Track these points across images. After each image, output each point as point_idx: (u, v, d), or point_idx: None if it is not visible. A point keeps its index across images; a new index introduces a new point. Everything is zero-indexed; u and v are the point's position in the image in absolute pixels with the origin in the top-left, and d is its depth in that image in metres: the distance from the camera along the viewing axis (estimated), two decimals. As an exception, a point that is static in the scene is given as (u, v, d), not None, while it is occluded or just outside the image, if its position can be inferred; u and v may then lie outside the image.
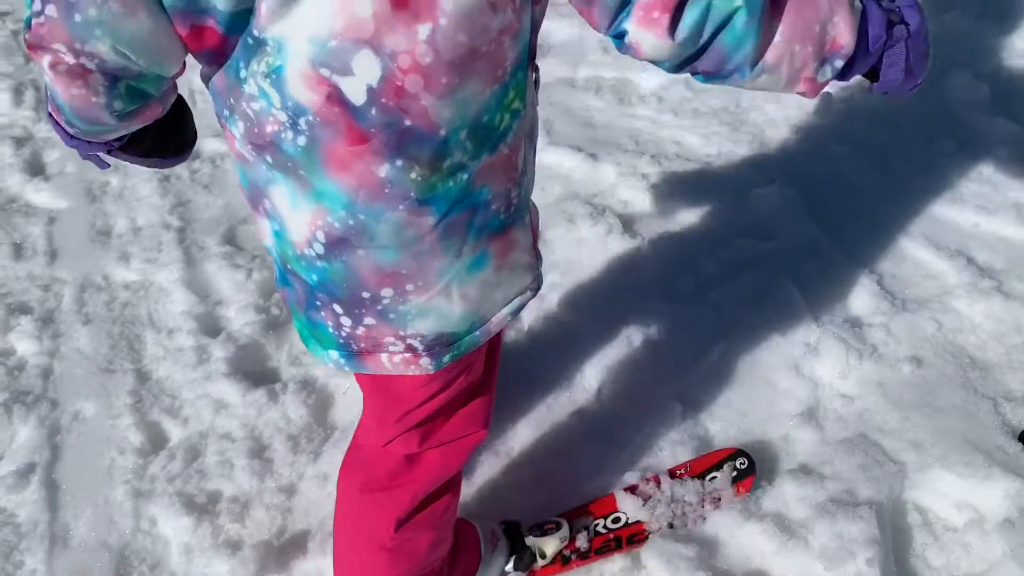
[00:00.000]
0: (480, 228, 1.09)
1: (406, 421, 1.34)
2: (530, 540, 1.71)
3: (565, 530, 1.72)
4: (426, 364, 1.20)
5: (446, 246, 1.08)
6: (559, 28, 3.29)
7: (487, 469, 1.91)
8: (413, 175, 0.99)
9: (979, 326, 2.09)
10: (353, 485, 1.43)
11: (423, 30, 0.88)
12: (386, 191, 1.00)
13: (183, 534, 1.83)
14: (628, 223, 2.44)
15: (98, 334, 2.32)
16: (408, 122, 0.95)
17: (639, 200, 2.52)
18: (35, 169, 2.94)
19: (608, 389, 2.06)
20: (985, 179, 2.49)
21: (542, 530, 1.72)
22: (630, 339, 2.14)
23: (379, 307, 1.12)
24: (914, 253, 2.30)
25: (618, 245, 2.38)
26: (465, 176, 1.03)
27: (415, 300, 1.12)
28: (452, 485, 1.50)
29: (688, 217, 2.46)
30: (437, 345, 1.18)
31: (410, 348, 1.18)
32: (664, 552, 1.73)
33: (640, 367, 2.09)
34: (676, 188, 2.54)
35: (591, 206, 2.50)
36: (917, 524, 1.77)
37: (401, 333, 1.15)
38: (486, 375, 1.44)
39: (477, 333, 1.20)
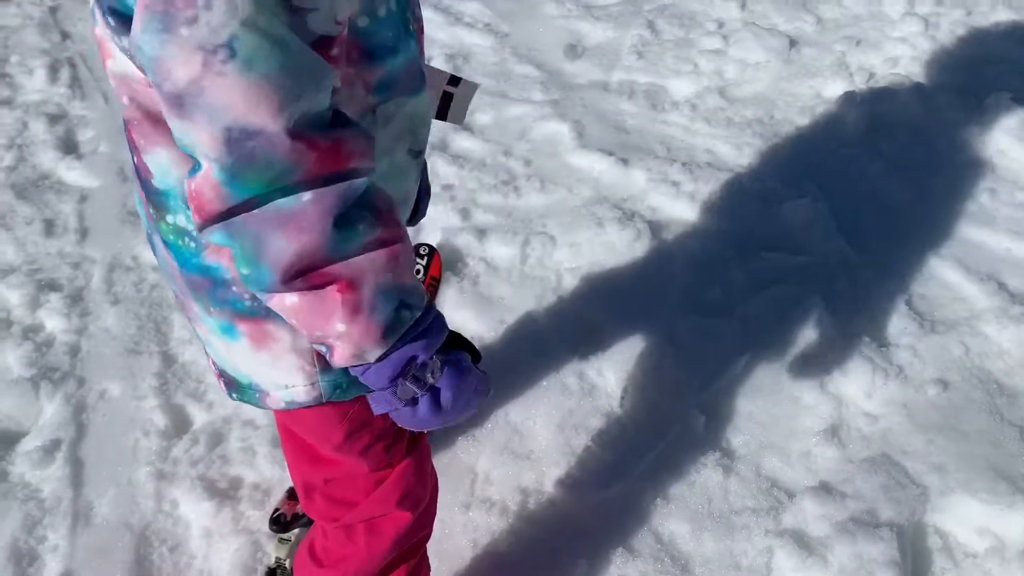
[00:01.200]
0: (222, 301, 1.03)
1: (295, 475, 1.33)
2: None
3: None
4: (226, 392, 1.15)
5: (193, 298, 1.06)
6: (593, 31, 3.29)
7: (505, 470, 1.91)
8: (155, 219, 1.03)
9: (1007, 352, 2.08)
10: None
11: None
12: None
13: (204, 518, 1.85)
14: (657, 229, 2.44)
15: (126, 314, 2.33)
16: (134, 160, 1.01)
17: (669, 207, 2.52)
18: (68, 147, 2.97)
19: (630, 396, 2.06)
20: (1019, 204, 2.47)
21: None
22: (654, 347, 2.14)
23: None
24: (944, 275, 2.29)
25: (646, 251, 2.38)
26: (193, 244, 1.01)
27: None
28: None
29: (718, 227, 2.45)
30: (224, 381, 1.14)
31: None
32: (678, 564, 1.73)
33: (663, 375, 2.09)
34: (707, 197, 2.53)
35: (620, 210, 2.50)
36: (937, 548, 1.76)
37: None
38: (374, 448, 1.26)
39: (256, 395, 1.11)
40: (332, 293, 0.86)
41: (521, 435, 1.99)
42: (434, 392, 0.94)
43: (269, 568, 1.75)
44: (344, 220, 0.83)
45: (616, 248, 2.40)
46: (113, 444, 2.02)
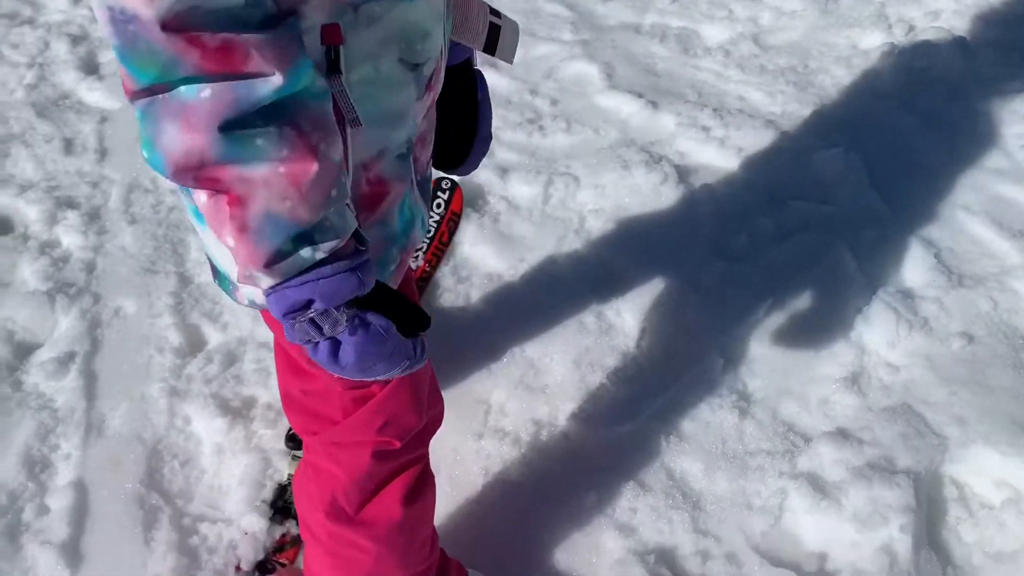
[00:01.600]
0: None
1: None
2: None
3: None
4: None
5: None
6: (627, -27, 3.22)
7: (520, 403, 1.89)
8: None
9: (1037, 309, 2.04)
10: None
11: None
12: None
13: (216, 435, 1.84)
14: (684, 174, 2.40)
15: (143, 235, 2.32)
16: None
17: (697, 152, 2.47)
18: (90, 68, 2.93)
19: (648, 337, 2.04)
20: (1056, 163, 2.41)
21: None
22: (675, 290, 2.11)
23: None
24: (975, 230, 2.24)
25: (672, 195, 2.34)
26: None
27: None
28: (397, 497, 1.31)
29: (746, 174, 2.41)
30: (210, 265, 1.11)
31: None
32: (689, 501, 1.72)
33: (683, 318, 2.06)
34: (736, 143, 2.48)
35: (647, 154, 2.45)
36: (953, 498, 1.74)
37: None
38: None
39: (229, 286, 1.08)
40: (223, 202, 0.81)
41: (536, 370, 1.97)
42: (335, 343, 0.90)
43: (280, 484, 1.75)
44: (235, 126, 0.77)
45: (642, 191, 2.36)
46: (127, 359, 2.01)
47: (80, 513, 1.72)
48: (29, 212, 2.37)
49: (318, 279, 0.85)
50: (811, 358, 1.97)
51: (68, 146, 2.61)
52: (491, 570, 1.58)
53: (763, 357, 1.98)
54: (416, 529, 1.36)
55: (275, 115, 0.79)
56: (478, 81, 1.26)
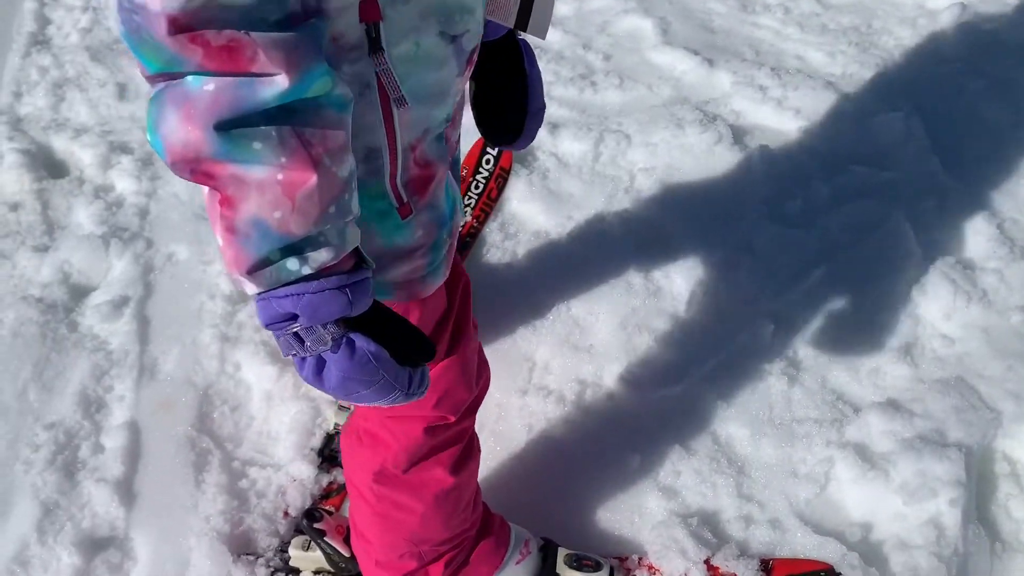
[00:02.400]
0: None
1: None
2: (563, 573, 1.56)
3: (605, 573, 1.56)
4: None
5: None
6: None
7: (564, 361, 1.89)
8: None
9: (1102, 285, 1.98)
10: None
11: None
12: None
13: (266, 381, 1.87)
14: (739, 134, 2.35)
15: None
16: None
17: (753, 112, 2.42)
18: (143, 13, 2.94)
19: (698, 299, 2.01)
20: None
21: (580, 564, 1.56)
22: (726, 252, 2.08)
23: None
24: (1041, 201, 2.17)
25: (726, 156, 2.29)
26: None
27: None
28: (445, 465, 1.33)
29: (803, 136, 2.35)
30: None
31: None
32: (734, 466, 1.71)
33: (733, 282, 2.04)
34: (794, 104, 2.42)
35: (701, 112, 2.40)
36: (1005, 473, 1.71)
37: None
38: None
39: None
40: (216, 199, 0.78)
41: (582, 329, 1.96)
42: (321, 360, 0.85)
43: (328, 433, 1.78)
44: (233, 125, 0.74)
45: (695, 151, 2.32)
46: (179, 305, 2.04)
47: (133, 453, 1.76)
48: (84, 156, 2.40)
49: (302, 293, 0.81)
50: (863, 327, 1.94)
51: (122, 91, 2.63)
52: (533, 525, 1.60)
53: (814, 324, 1.95)
54: (462, 493, 1.38)
55: (279, 119, 0.75)
56: (524, 52, 1.22)
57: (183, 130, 0.74)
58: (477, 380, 1.34)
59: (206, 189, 0.79)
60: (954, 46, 2.58)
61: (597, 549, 1.61)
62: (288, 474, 1.72)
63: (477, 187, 2.25)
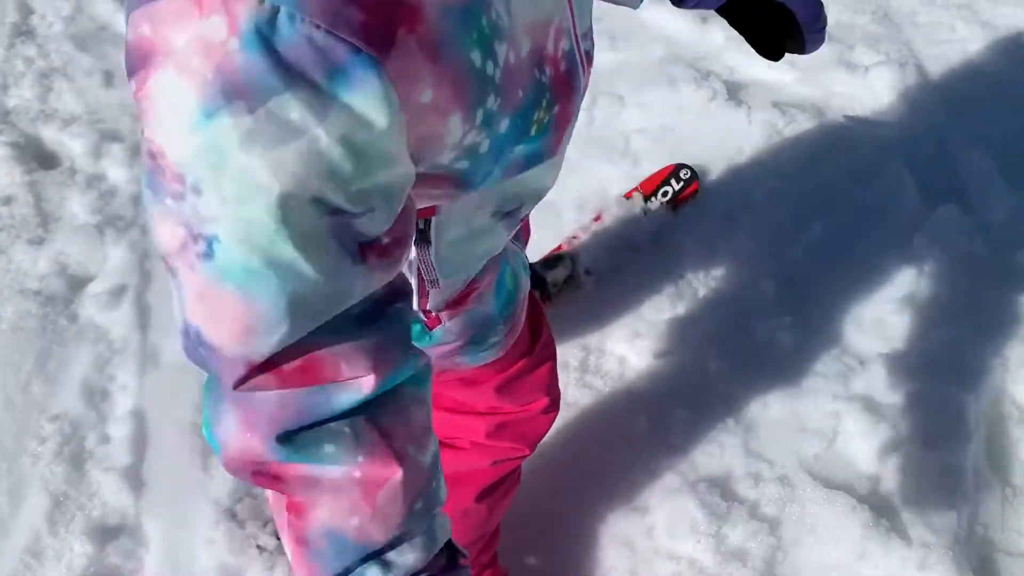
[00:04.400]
0: None
1: None
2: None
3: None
4: None
5: None
6: None
7: (565, 326, 1.88)
8: None
9: (1108, 225, 1.96)
10: None
11: None
12: None
13: (268, 363, 1.86)
14: (733, 90, 2.31)
15: (187, 166, 2.32)
16: None
17: (747, 67, 2.38)
18: (126, -2, 2.90)
19: (698, 258, 2.00)
20: None
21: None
22: (724, 209, 2.06)
23: None
24: (1042, 141, 2.14)
25: (721, 113, 2.26)
26: None
27: None
28: (475, 487, 1.28)
29: (798, 88, 2.32)
30: None
31: None
32: (741, 424, 1.71)
33: (733, 239, 2.02)
34: (787, 57, 2.38)
35: (695, 70, 2.37)
36: (1013, 418, 1.71)
37: None
38: None
39: None
40: (283, 503, 0.68)
41: (584, 293, 1.95)
42: None
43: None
44: (295, 434, 0.64)
45: (689, 109, 2.29)
46: (178, 291, 2.03)
47: (140, 441, 1.76)
48: (74, 146, 2.38)
49: None
50: (866, 278, 1.92)
51: (108, 79, 2.60)
52: (540, 491, 1.60)
53: (815, 278, 1.94)
54: (477, 522, 1.32)
55: (354, 414, 0.65)
56: None
57: (242, 438, 0.65)
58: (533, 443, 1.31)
59: (270, 492, 0.69)
60: (950, -11, 2.53)
61: (603, 516, 1.61)
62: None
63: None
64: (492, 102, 0.65)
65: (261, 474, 0.66)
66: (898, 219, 2.00)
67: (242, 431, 0.65)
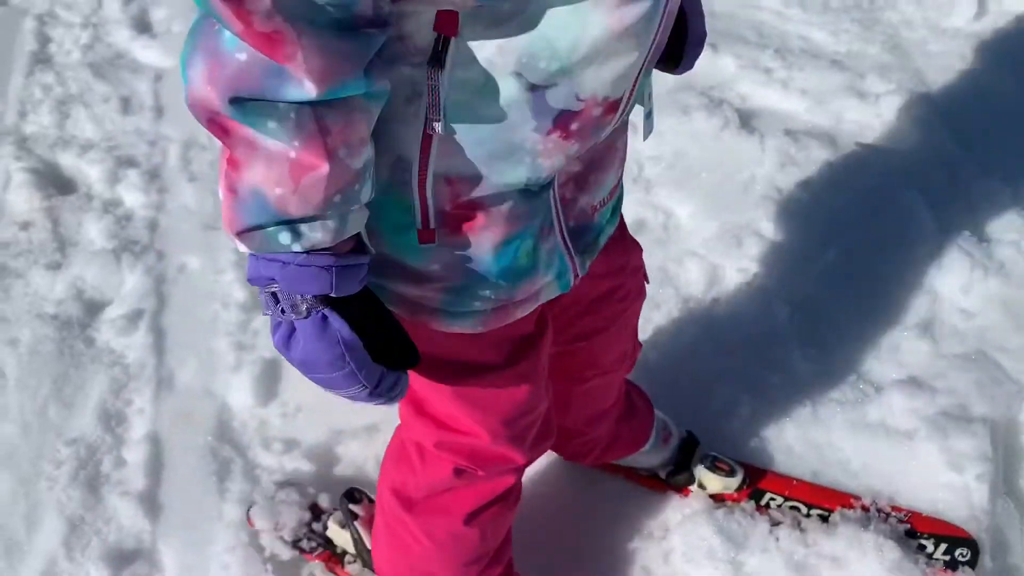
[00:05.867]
0: None
1: None
2: (697, 469, 1.64)
3: (738, 479, 1.63)
4: None
5: None
6: (682, -89, 3.11)
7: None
8: None
9: (1120, 251, 1.96)
10: None
11: None
12: None
13: (284, 388, 1.87)
14: (746, 118, 2.33)
15: (203, 192, 2.34)
16: None
17: (759, 95, 2.40)
18: (142, 27, 2.93)
19: (712, 284, 2.00)
20: None
21: (714, 465, 1.64)
22: (738, 237, 2.07)
23: None
24: (1054, 170, 2.15)
25: (733, 140, 2.28)
26: None
27: None
28: (462, 511, 1.25)
29: (810, 116, 2.34)
30: None
31: None
32: (759, 449, 1.70)
33: (747, 266, 2.02)
34: (799, 85, 2.41)
35: (707, 98, 2.39)
36: (1031, 445, 1.70)
37: None
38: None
39: None
40: (224, 156, 0.78)
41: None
42: (293, 329, 0.84)
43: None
44: (246, 101, 0.73)
45: (702, 136, 2.30)
46: (193, 315, 2.04)
47: (156, 465, 1.76)
48: (91, 172, 2.40)
49: (288, 263, 0.80)
50: (880, 304, 1.93)
51: (125, 105, 2.63)
52: (555, 516, 1.59)
53: (830, 304, 1.94)
54: (476, 545, 1.29)
55: (296, 111, 0.74)
56: None
57: (204, 88, 0.73)
58: (534, 445, 1.23)
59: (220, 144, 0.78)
60: (959, 19, 2.56)
61: (620, 541, 1.61)
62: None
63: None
64: None
65: (214, 123, 0.76)
66: (913, 247, 2.00)
67: (205, 81, 0.73)
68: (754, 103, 2.40)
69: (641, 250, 1.34)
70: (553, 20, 0.79)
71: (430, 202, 0.89)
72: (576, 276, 1.06)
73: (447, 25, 0.78)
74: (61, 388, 1.88)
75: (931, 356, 1.82)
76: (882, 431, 1.70)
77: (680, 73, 1.12)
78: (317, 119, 0.74)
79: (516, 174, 0.90)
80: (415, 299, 0.98)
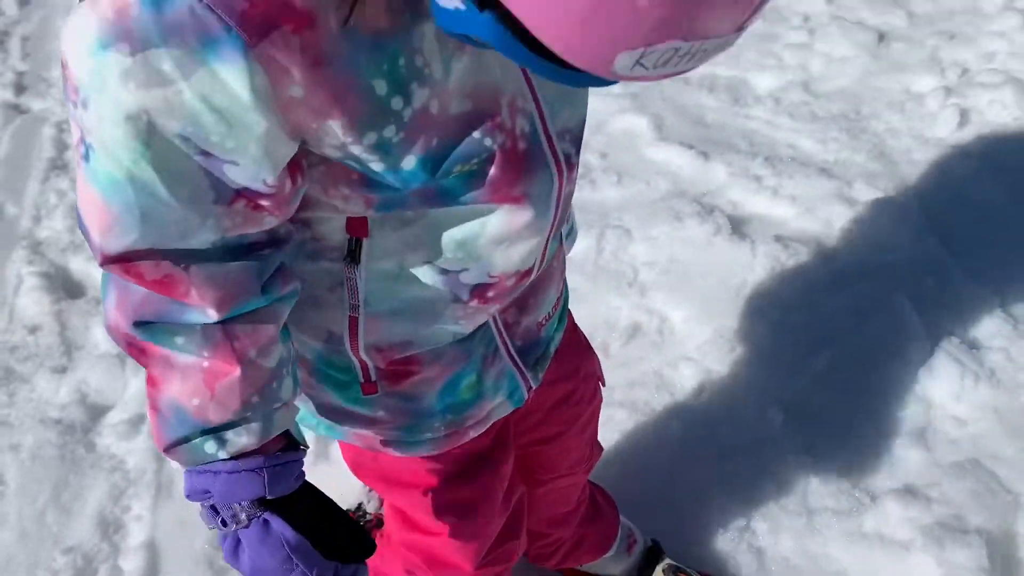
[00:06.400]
0: None
1: None
2: None
3: None
4: None
5: None
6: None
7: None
8: None
9: (1109, 358, 1.98)
10: None
11: None
12: None
13: (281, 495, 1.88)
14: (737, 225, 2.40)
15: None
16: None
17: (750, 202, 2.47)
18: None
19: (705, 390, 2.03)
20: (1123, 205, 2.35)
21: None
22: (731, 341, 2.10)
23: None
24: (1041, 277, 2.19)
25: (725, 247, 2.34)
26: None
27: None
28: None
29: (800, 223, 2.40)
30: None
31: None
32: (753, 559, 1.69)
33: (741, 371, 2.05)
34: (789, 192, 2.48)
35: (699, 205, 2.46)
36: (1027, 555, 1.69)
37: None
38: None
39: None
40: (147, 376, 0.81)
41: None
42: (238, 540, 0.83)
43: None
44: (152, 323, 0.77)
45: (695, 243, 2.37)
46: (195, 420, 2.06)
47: (152, 574, 1.76)
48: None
49: (218, 472, 0.80)
50: (874, 412, 1.94)
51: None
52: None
53: (824, 411, 1.96)
54: None
55: (201, 326, 0.78)
56: None
57: (115, 313, 0.78)
58: (489, 558, 1.25)
59: None
60: (942, 128, 2.65)
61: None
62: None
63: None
64: (392, 133, 0.73)
65: (132, 346, 0.80)
66: (903, 352, 2.03)
67: (115, 308, 0.78)
68: (745, 210, 2.46)
69: (595, 356, 1.37)
70: (454, 219, 0.85)
71: (368, 363, 0.96)
72: (530, 389, 1.10)
73: (358, 228, 0.84)
74: (60, 494, 1.90)
75: (925, 464, 1.83)
76: (878, 542, 1.70)
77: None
78: (224, 330, 0.78)
79: (442, 335, 0.96)
80: (370, 437, 1.04)
